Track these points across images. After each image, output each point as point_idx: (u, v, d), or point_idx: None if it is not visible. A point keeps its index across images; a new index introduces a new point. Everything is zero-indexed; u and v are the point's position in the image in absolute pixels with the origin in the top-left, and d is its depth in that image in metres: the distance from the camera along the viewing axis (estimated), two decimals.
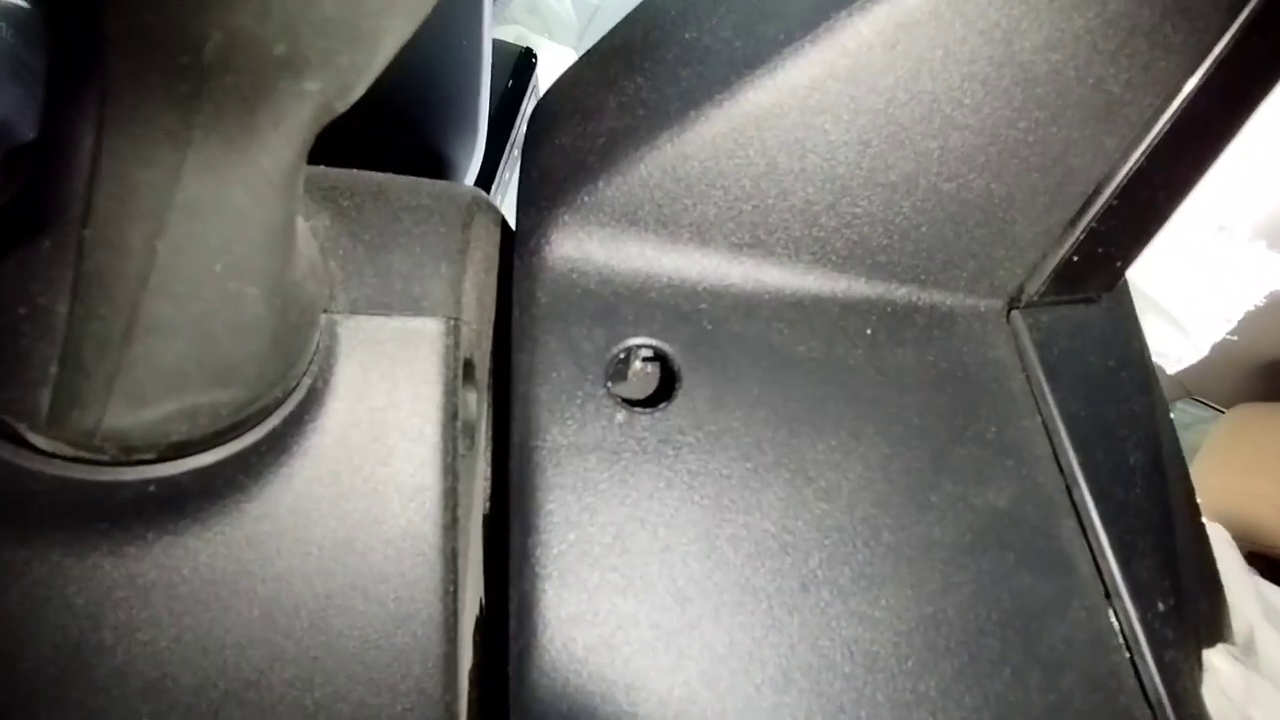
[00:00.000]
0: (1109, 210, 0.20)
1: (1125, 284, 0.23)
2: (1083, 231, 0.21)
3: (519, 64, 0.64)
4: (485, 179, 0.56)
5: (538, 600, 0.18)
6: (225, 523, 0.17)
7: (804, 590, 0.18)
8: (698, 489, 0.19)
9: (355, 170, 0.22)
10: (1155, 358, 0.24)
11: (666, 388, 0.20)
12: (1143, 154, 0.19)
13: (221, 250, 0.13)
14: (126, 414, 0.14)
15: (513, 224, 0.24)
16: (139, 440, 0.15)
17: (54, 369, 0.14)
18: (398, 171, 0.23)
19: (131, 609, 0.17)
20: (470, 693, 0.20)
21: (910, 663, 0.18)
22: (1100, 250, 0.21)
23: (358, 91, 0.13)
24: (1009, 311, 0.22)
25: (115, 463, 0.15)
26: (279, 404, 0.17)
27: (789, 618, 0.18)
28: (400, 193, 0.21)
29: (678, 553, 0.18)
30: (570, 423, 0.19)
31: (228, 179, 0.13)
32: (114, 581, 0.16)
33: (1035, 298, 0.22)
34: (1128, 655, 0.19)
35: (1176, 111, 0.19)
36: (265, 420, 0.17)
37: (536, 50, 0.61)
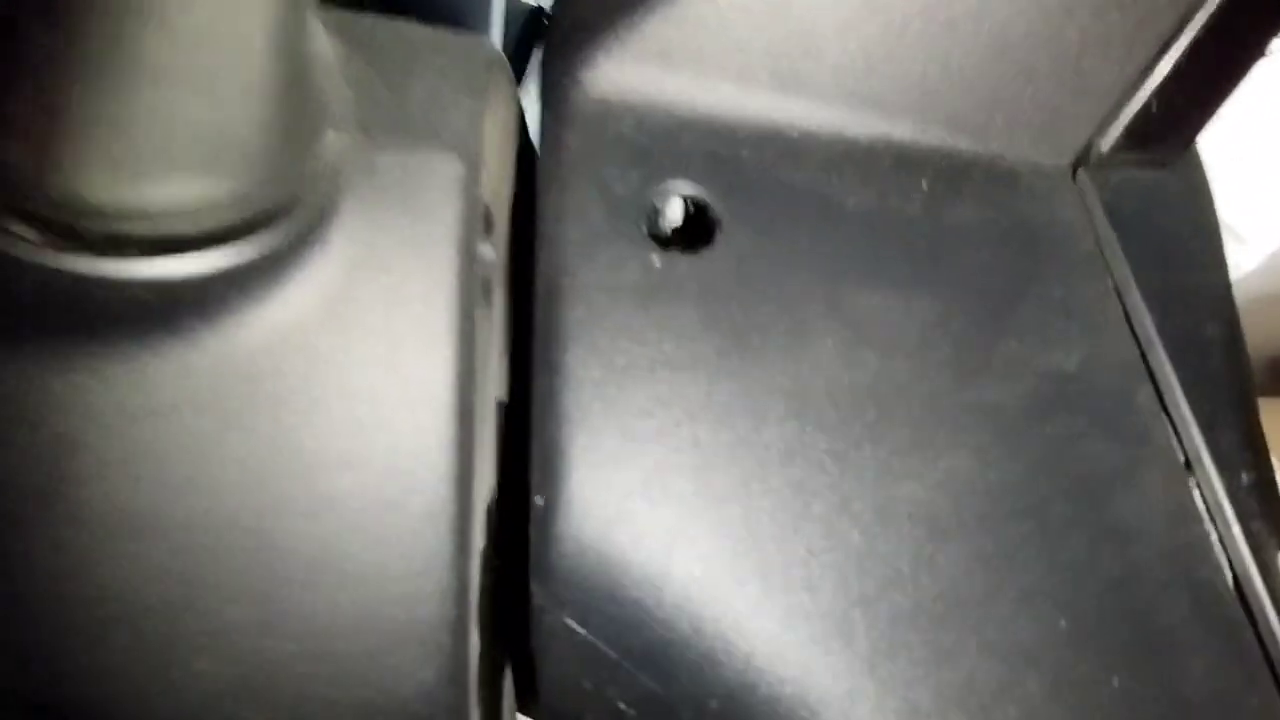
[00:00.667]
0: (1193, 51, 0.19)
1: (1196, 153, 0.22)
2: (1162, 79, 0.19)
3: (529, 23, 0.62)
4: None
5: (564, 446, 0.16)
6: (219, 344, 0.15)
7: (858, 447, 0.17)
8: (741, 337, 0.17)
9: (364, 13, 0.21)
10: None
11: (706, 235, 0.19)
12: None
13: None
14: (113, 180, 0.13)
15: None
16: (126, 222, 0.13)
17: (26, 107, 0.12)
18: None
19: (115, 435, 0.15)
20: (482, 578, 0.18)
21: (973, 526, 0.16)
22: (1179, 100, 0.20)
23: None
24: (1075, 171, 0.20)
25: (96, 251, 0.14)
26: (280, 216, 0.15)
27: (841, 474, 0.17)
28: (417, 31, 0.20)
29: (720, 401, 0.17)
30: (602, 263, 0.17)
31: None
32: (94, 401, 0.15)
33: (1104, 156, 0.20)
34: (1210, 527, 0.17)
35: None
36: (264, 231, 0.15)
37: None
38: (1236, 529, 0.17)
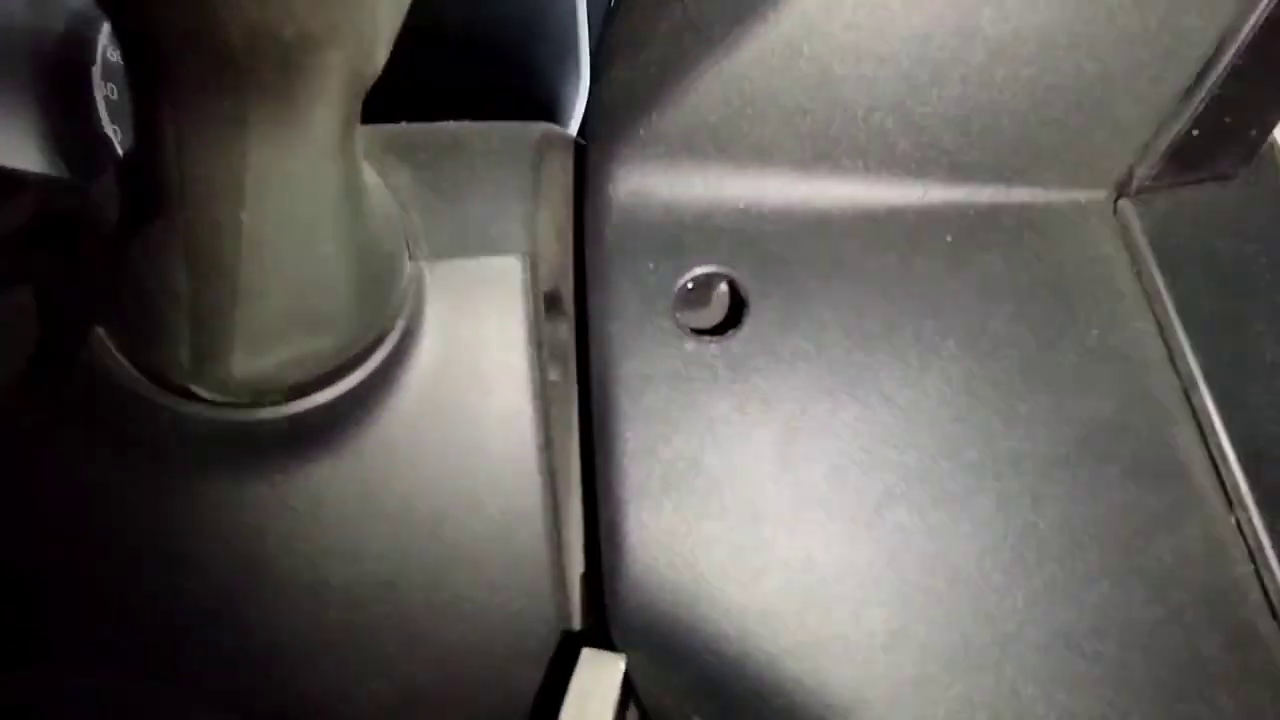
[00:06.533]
0: (1234, 73, 0.17)
1: (1273, 153, 0.20)
2: (1202, 101, 0.18)
3: None
4: None
5: (621, 525, 0.19)
6: (348, 451, 0.19)
7: (879, 509, 0.18)
8: (768, 412, 0.19)
9: (433, 124, 0.24)
10: None
11: (736, 314, 0.20)
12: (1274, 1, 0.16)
13: (292, 215, 0.15)
14: (248, 363, 0.17)
15: None
16: (265, 385, 0.18)
17: (186, 330, 0.16)
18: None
19: (287, 526, 0.20)
20: (585, 596, 0.22)
21: (996, 576, 0.18)
22: (1227, 120, 0.18)
23: (381, 55, 0.14)
24: (1116, 201, 0.20)
25: (253, 405, 0.18)
26: (377, 345, 0.19)
27: (865, 534, 0.18)
28: (473, 140, 0.23)
29: (751, 474, 0.19)
30: (641, 355, 0.20)
31: (286, 152, 0.14)
32: (269, 504, 0.20)
33: (1148, 182, 0.19)
34: (1252, 567, 0.17)
35: None
36: (368, 360, 0.19)
37: None
38: (1277, 567, 0.17)
